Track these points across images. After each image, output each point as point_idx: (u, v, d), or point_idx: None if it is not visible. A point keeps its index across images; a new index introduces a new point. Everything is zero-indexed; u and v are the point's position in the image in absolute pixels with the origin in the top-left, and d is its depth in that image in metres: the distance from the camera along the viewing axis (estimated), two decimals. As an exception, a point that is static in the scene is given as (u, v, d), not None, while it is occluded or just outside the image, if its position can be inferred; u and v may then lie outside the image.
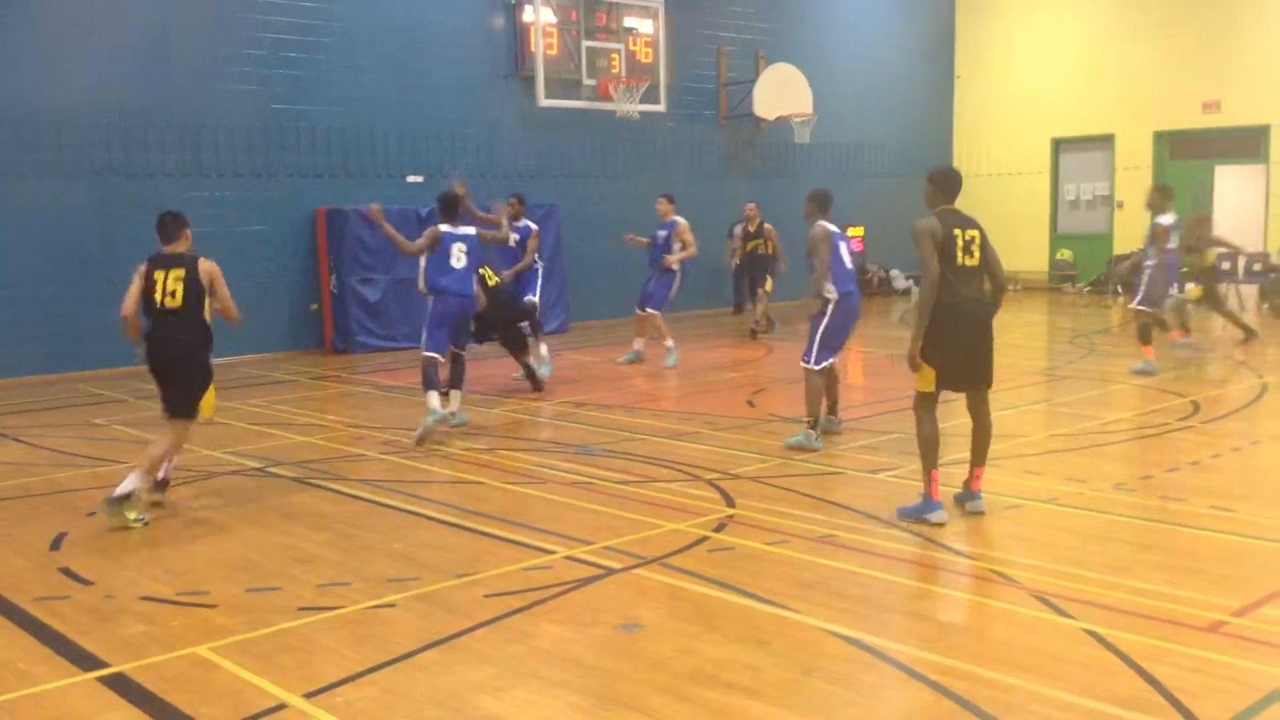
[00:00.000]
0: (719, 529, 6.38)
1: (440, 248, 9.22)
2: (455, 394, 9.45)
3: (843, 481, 7.47)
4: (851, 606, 5.11)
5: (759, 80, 19.38)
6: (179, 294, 6.89)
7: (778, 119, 19.45)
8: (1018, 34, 22.67)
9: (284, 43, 14.69)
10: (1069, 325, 16.73)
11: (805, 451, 8.20)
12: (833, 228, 8.47)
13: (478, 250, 9.53)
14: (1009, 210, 21.56)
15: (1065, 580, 5.36)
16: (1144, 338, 11.67)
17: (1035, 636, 4.73)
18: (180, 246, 7.12)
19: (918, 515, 6.39)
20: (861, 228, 21.51)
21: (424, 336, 9.26)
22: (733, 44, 19.80)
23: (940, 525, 6.28)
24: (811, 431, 8.33)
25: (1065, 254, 22.31)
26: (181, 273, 6.90)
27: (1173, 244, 11.87)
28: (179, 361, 6.95)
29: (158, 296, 6.93)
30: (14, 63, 12.51)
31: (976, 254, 6.36)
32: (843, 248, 8.51)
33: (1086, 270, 21.69)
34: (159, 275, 6.95)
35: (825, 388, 8.61)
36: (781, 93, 19.41)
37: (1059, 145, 22.41)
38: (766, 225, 15.89)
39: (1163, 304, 12.06)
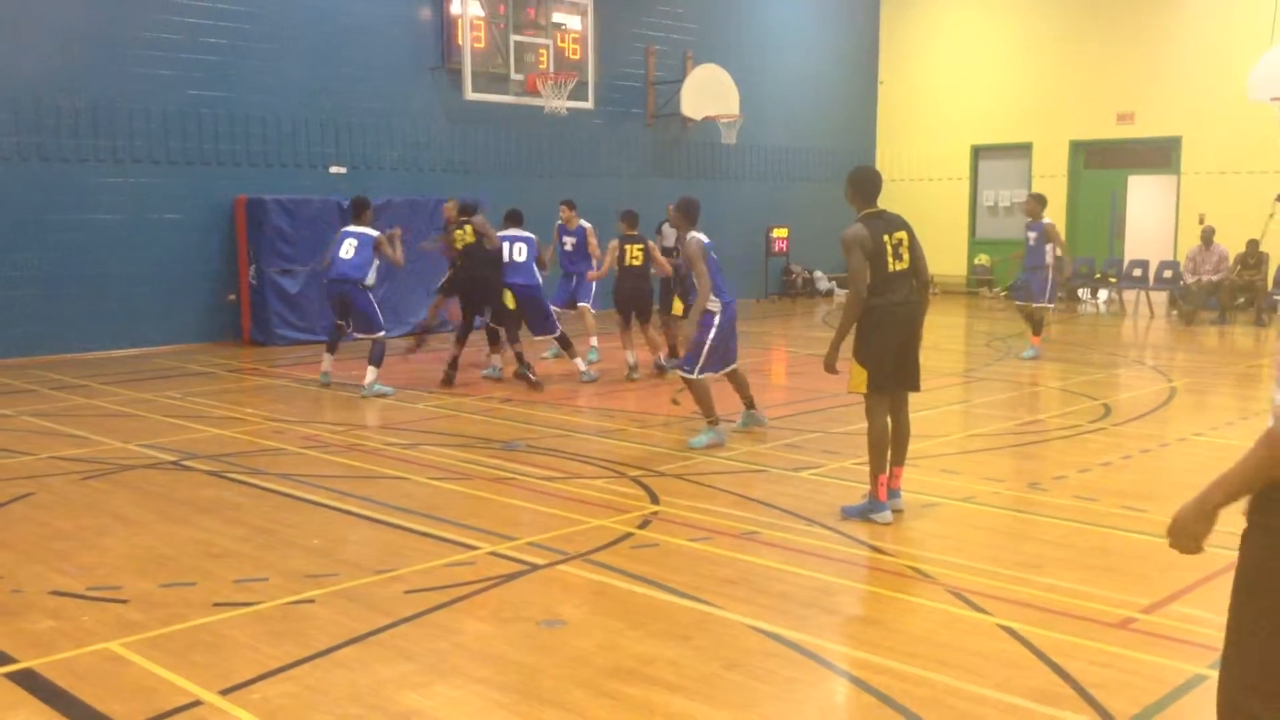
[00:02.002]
0: (643, 525, 6.39)
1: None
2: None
3: (765, 479, 7.53)
4: (773, 603, 5.15)
5: (686, 80, 19.46)
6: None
7: (705, 119, 19.56)
8: (939, 42, 23.08)
9: (205, 28, 14.39)
10: (986, 329, 17.08)
11: (714, 448, 8.31)
12: (705, 239, 8.55)
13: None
14: (929, 215, 21.90)
15: (981, 577, 5.47)
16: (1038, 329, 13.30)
17: (952, 632, 4.82)
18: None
19: (863, 515, 6.45)
20: (786, 229, 21.77)
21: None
22: (661, 43, 19.86)
23: (886, 525, 6.36)
24: (718, 427, 8.50)
25: (983, 259, 22.76)
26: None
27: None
28: None
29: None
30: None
31: (906, 256, 6.43)
32: (713, 257, 8.56)
33: (1003, 275, 22.14)
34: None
35: (737, 387, 8.93)
36: (709, 94, 19.52)
37: (978, 152, 22.86)
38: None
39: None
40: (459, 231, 11.69)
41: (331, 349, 11.31)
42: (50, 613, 5.01)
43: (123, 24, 13.73)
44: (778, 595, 5.26)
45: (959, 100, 22.65)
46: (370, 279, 10.64)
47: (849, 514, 6.51)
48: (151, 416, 9.65)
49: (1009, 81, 22.07)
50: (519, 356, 11.21)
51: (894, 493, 6.62)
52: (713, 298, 8.39)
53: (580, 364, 11.74)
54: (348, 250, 10.64)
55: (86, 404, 10.36)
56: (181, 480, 7.51)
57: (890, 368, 6.42)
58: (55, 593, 5.26)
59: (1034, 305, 13.28)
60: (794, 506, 6.75)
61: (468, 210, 11.78)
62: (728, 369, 8.71)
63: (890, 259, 6.32)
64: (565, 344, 11.80)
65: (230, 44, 14.61)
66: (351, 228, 10.82)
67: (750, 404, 9.10)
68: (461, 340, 11.45)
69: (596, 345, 12.87)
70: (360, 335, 10.95)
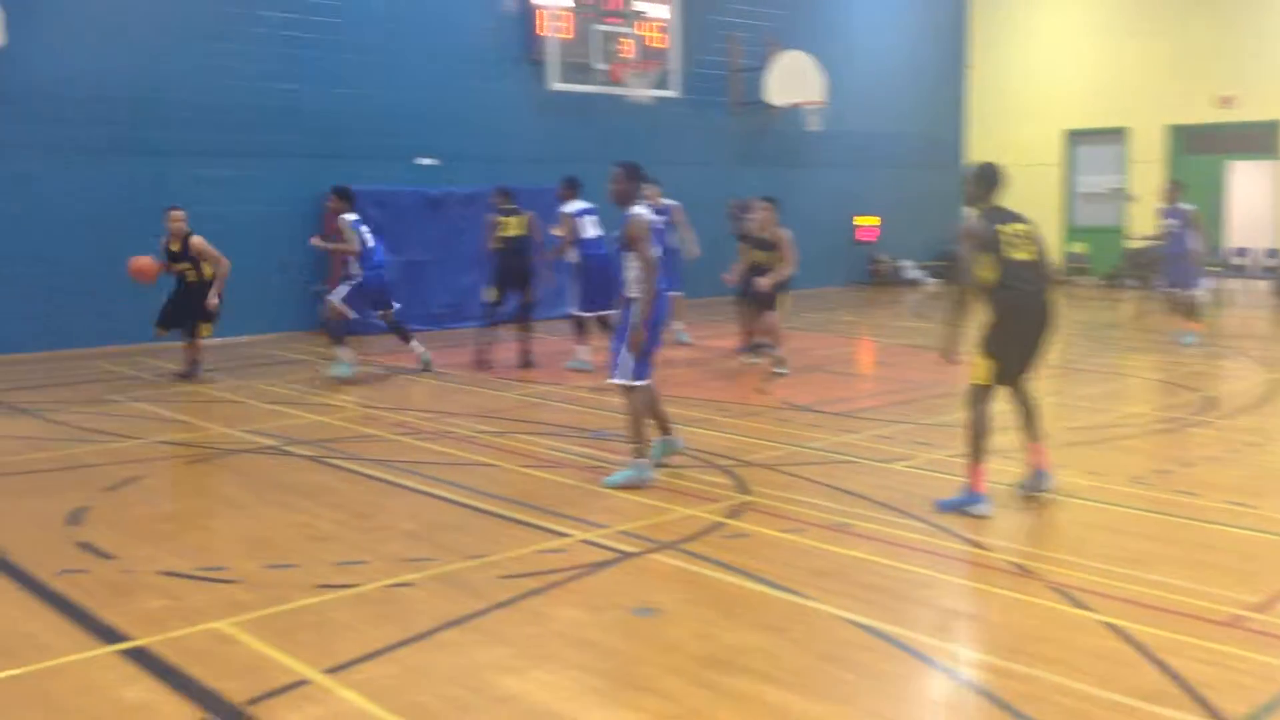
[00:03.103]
0: (733, 515, 6.39)
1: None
2: None
3: (857, 470, 7.47)
4: (869, 595, 5.11)
5: (770, 67, 19.32)
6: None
7: (789, 106, 19.40)
8: (1031, 24, 22.59)
9: (296, 22, 14.66)
10: (1083, 319, 16.70)
11: (635, 489, 6.83)
12: (651, 216, 7.11)
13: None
14: (1021, 202, 21.18)
15: (1083, 573, 5.37)
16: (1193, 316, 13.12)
17: (1054, 628, 4.74)
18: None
19: (959, 508, 6.35)
20: (872, 217, 21.51)
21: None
22: (745, 30, 19.74)
23: (984, 518, 6.26)
24: (642, 461, 6.95)
25: (1078, 247, 22.26)
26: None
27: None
28: None
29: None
30: (26, 41, 12.49)
31: (1029, 247, 6.35)
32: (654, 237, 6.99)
33: (1100, 263, 21.64)
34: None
35: (650, 405, 7.16)
36: (793, 80, 19.36)
37: (1072, 137, 22.34)
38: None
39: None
40: (506, 220, 11.72)
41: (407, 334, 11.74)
42: (161, 592, 5.17)
43: (218, 21, 14.03)
44: (873, 588, 5.22)
45: (1051, 84, 22.15)
46: None
47: (944, 508, 6.42)
48: (252, 403, 9.90)
49: (1104, 64, 21.52)
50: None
51: (1042, 473, 6.52)
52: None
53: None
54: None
55: (191, 390, 10.66)
56: (283, 465, 7.69)
57: (1017, 360, 6.36)
58: (165, 573, 5.43)
59: (1184, 293, 13.26)
60: (887, 499, 6.68)
61: (509, 198, 11.84)
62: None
63: (1008, 248, 6.27)
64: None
65: (322, 38, 14.87)
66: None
67: (665, 426, 7.41)
68: (525, 327, 11.68)
69: (684, 329, 12.84)
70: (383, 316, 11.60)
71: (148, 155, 13.59)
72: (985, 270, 6.26)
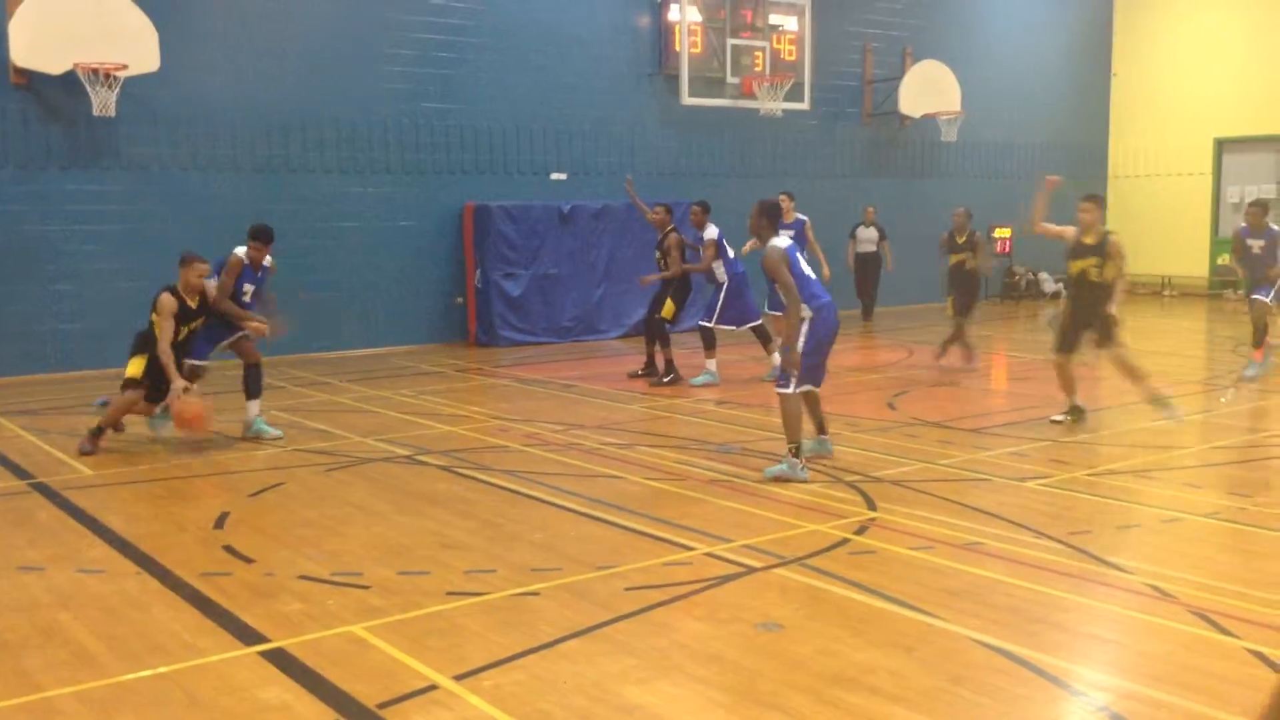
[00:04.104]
0: (860, 532, 6.30)
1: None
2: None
3: (989, 488, 7.29)
4: (1000, 616, 4.98)
5: (905, 77, 19.06)
6: None
7: (923, 117, 19.10)
8: (1179, 29, 21.76)
9: (434, 43, 15.08)
10: (1229, 333, 15.97)
11: (789, 481, 7.37)
12: (784, 243, 7.50)
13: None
14: (1167, 212, 20.79)
15: (1226, 598, 5.13)
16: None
17: (1195, 654, 4.54)
18: None
19: None
20: (1009, 228, 21.00)
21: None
22: (879, 40, 19.52)
23: (1119, 541, 6.07)
24: (795, 460, 7.44)
25: (1227, 259, 21.29)
26: None
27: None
28: None
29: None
30: (179, 64, 13.12)
31: None
32: (800, 260, 7.61)
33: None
34: None
35: (809, 409, 7.87)
36: (928, 90, 19.07)
37: (1222, 145, 21.43)
38: (977, 234, 13.49)
39: None
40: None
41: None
42: (299, 595, 5.36)
43: (363, 45, 14.55)
44: (1005, 609, 5.08)
45: (1200, 90, 21.28)
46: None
47: None
48: (387, 413, 10.19)
49: (1255, 68, 20.58)
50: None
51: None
52: (804, 306, 7.42)
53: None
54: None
55: (329, 400, 11.03)
56: (416, 474, 7.89)
57: None
58: (303, 577, 5.62)
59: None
60: (1020, 518, 6.51)
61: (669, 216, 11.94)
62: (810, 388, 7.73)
63: None
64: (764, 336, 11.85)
65: (458, 58, 15.26)
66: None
67: (821, 427, 8.09)
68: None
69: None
70: None
71: (295, 173, 14.14)
72: None
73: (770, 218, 7.63)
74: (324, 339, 14.31)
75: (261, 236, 9.36)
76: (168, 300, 8.49)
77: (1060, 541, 6.06)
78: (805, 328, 7.39)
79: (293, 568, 5.76)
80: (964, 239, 13.07)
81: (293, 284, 14.06)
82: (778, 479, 7.43)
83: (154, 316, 8.57)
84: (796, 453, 7.45)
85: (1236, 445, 8.45)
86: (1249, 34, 20.77)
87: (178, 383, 8.35)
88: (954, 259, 13.05)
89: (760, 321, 11.76)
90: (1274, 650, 4.50)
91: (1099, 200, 9.48)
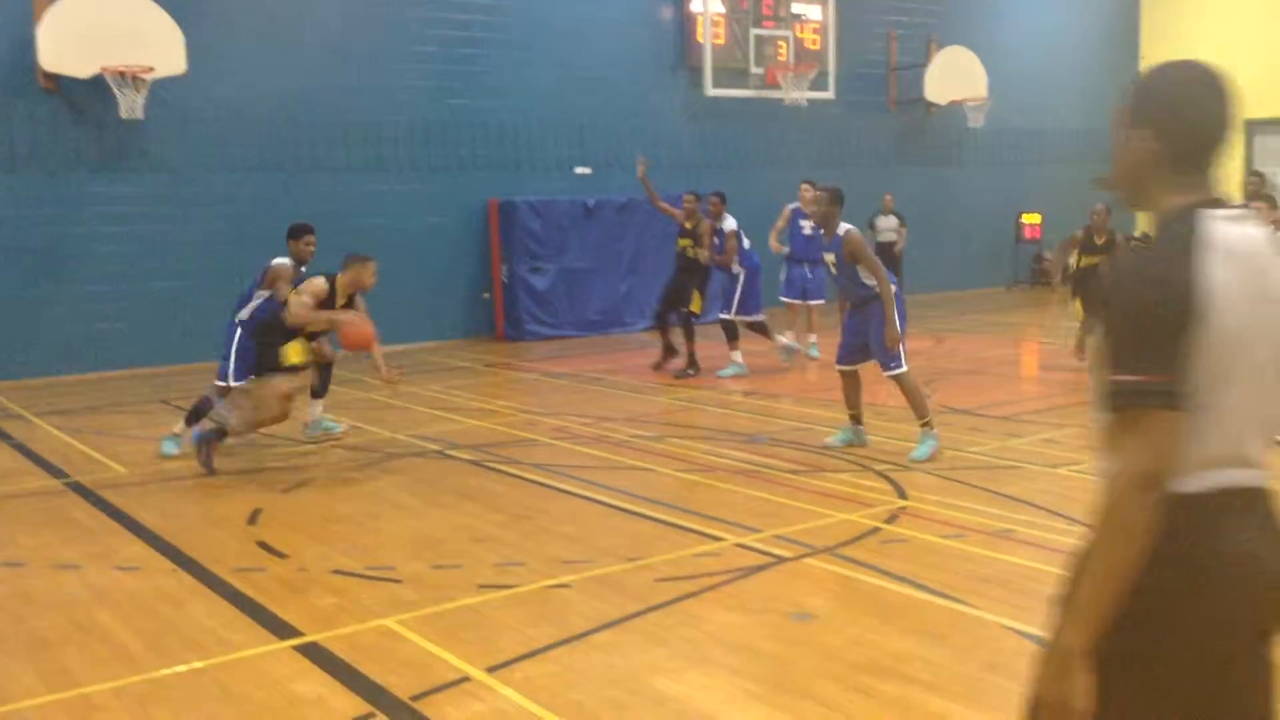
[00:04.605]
0: (891, 520, 6.28)
1: None
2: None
3: (1020, 475, 7.25)
4: (1034, 604, 4.94)
5: (931, 64, 18.94)
6: None
7: (949, 104, 18.98)
8: (1207, 11, 21.50)
9: (456, 39, 15.10)
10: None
11: (935, 458, 7.58)
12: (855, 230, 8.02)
13: None
14: (1197, 196, 20.46)
15: (1266, 583, 5.08)
16: None
17: (1234, 641, 4.49)
18: None
19: None
20: (1038, 214, 20.84)
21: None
22: (904, 28, 19.40)
23: None
24: (934, 431, 7.74)
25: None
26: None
27: None
28: None
29: None
30: (206, 66, 13.20)
31: None
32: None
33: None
34: None
35: (848, 396, 8.13)
36: (954, 77, 18.94)
37: (1252, 128, 21.17)
38: (1119, 236, 12.23)
39: None
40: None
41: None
42: (333, 590, 5.39)
43: (384, 39, 14.59)
44: (1038, 597, 5.03)
45: (1229, 70, 20.97)
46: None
47: None
48: (416, 408, 10.23)
49: (1288, 48, 20.32)
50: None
51: None
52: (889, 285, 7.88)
53: (782, 340, 11.81)
54: None
55: (359, 396, 11.08)
56: (446, 468, 7.93)
57: None
58: (336, 571, 5.66)
59: None
60: (1053, 504, 6.46)
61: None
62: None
63: None
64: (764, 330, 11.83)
65: (481, 53, 15.28)
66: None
67: (858, 418, 8.22)
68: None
69: (815, 342, 12.62)
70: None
71: (323, 172, 14.20)
72: None
73: (840, 204, 7.96)
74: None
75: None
76: (321, 284, 7.98)
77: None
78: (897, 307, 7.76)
79: (326, 562, 5.80)
80: (1104, 240, 11.46)
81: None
82: (930, 458, 7.59)
83: (290, 294, 7.99)
84: (931, 425, 7.74)
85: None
86: (1277, 14, 20.50)
87: (345, 315, 7.97)
88: (1087, 260, 11.48)
89: (762, 319, 11.79)
90: (1313, 635, 4.45)
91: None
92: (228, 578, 5.61)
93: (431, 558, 5.84)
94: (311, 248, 8.91)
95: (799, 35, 17.42)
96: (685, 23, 16.93)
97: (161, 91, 12.79)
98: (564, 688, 4.21)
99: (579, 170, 16.21)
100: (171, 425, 8.71)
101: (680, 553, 5.81)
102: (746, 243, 11.65)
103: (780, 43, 17.19)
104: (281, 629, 4.89)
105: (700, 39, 16.52)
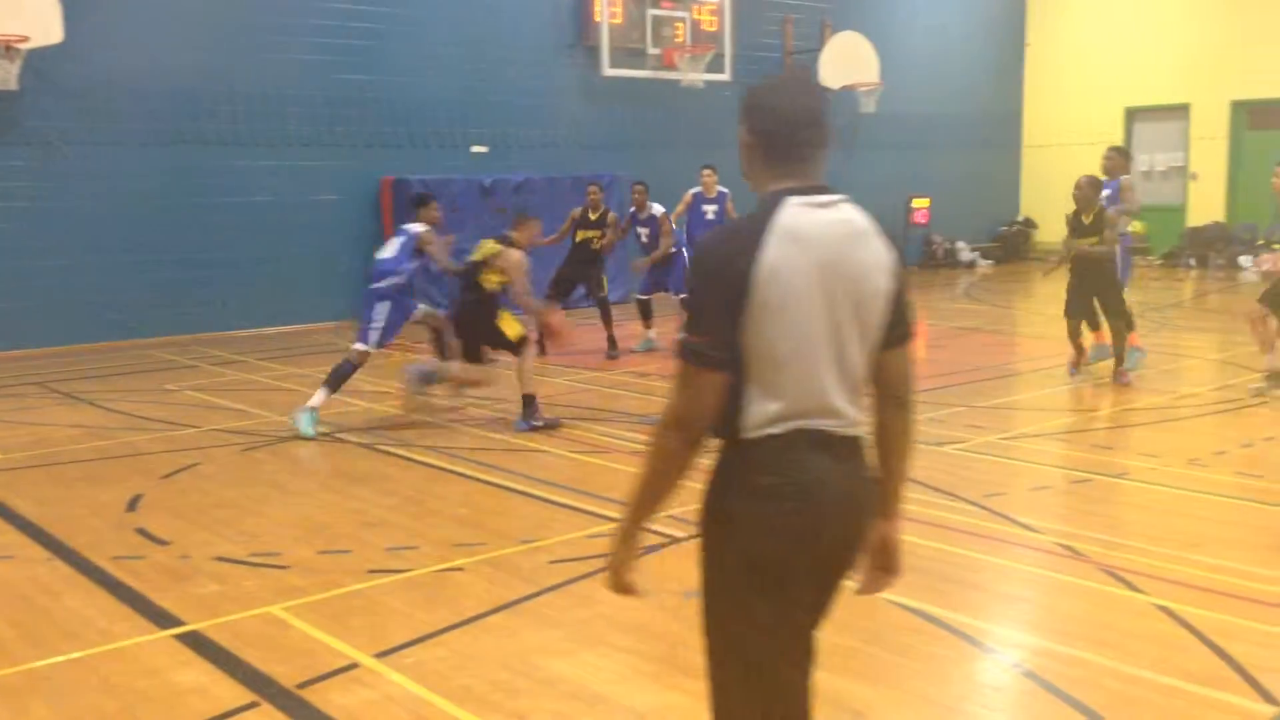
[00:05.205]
0: (783, 499, 6.36)
1: None
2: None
3: (908, 454, 7.40)
4: (917, 578, 5.05)
5: (825, 49, 19.16)
6: None
7: (843, 88, 19.24)
8: (1091, 2, 22.15)
9: (349, 12, 14.78)
10: (1140, 299, 16.38)
11: None
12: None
13: None
14: (1079, 181, 21.11)
15: (1136, 555, 5.29)
16: None
17: (1105, 611, 4.67)
18: None
19: None
20: (927, 199, 21.28)
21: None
22: (799, 12, 19.59)
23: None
24: None
25: (1137, 227, 21.80)
26: None
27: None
28: None
29: None
30: (84, 36, 12.72)
31: None
32: None
33: (1159, 243, 21.23)
34: None
35: None
36: (847, 62, 19.18)
37: (1132, 115, 21.90)
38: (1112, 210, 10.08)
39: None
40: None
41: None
42: (216, 577, 5.27)
43: (275, 11, 14.20)
44: (921, 571, 5.17)
45: (1111, 60, 21.71)
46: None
47: None
48: (306, 390, 9.98)
49: (1165, 39, 21.03)
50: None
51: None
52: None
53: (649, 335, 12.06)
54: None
55: (245, 379, 10.83)
56: (336, 452, 7.80)
57: None
58: (220, 558, 5.53)
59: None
60: (938, 482, 6.62)
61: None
62: None
63: None
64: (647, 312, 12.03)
65: (375, 28, 14.97)
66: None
67: None
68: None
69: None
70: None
71: (207, 145, 13.79)
72: None
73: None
74: (239, 316, 14.04)
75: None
76: (521, 258, 8.48)
77: (975, 504, 6.18)
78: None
79: (209, 549, 5.66)
80: (1092, 218, 9.68)
81: (203, 259, 13.81)
82: None
83: (495, 276, 8.42)
84: None
85: (1146, 407, 8.68)
86: (1159, 5, 21.21)
87: (554, 314, 9.08)
88: (1081, 241, 9.72)
89: (648, 298, 12.06)
90: (1181, 605, 4.65)
91: (1094, 179, 9.81)
92: (106, 566, 5.44)
93: (320, 543, 5.75)
94: (439, 212, 9.22)
95: (696, 17, 17.46)
96: (583, 1, 16.84)
97: (37, 61, 12.27)
98: (454, 672, 4.19)
99: (475, 149, 16.02)
100: (305, 399, 8.42)
101: (574, 534, 5.81)
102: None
103: (678, 24, 17.21)
104: (162, 618, 4.77)
105: (598, 18, 16.45)
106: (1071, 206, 9.82)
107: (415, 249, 8.86)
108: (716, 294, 2.29)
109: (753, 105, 2.48)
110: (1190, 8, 20.73)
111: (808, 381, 2.35)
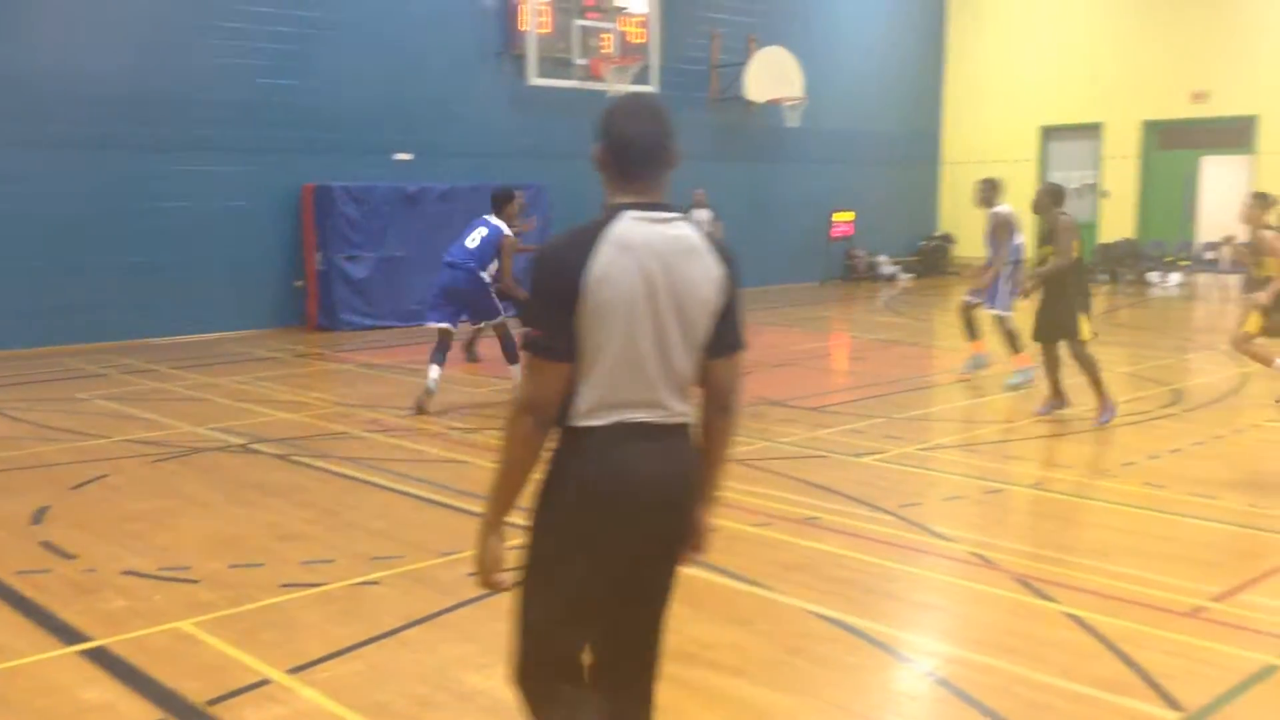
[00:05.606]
0: (704, 510, 6.37)
1: None
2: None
3: (826, 465, 7.48)
4: (835, 588, 5.12)
5: (750, 63, 19.33)
6: None
7: (768, 102, 19.43)
8: (1007, 21, 22.67)
9: (272, 16, 14.56)
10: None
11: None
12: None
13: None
14: (996, 197, 21.57)
15: (1046, 564, 5.39)
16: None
17: (1016, 619, 4.76)
18: None
19: None
20: (849, 213, 21.57)
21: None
22: (725, 26, 19.74)
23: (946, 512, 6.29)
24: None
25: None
26: None
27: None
28: None
29: None
30: (4, 36, 12.37)
31: None
32: None
33: (1042, 249, 21.70)
34: None
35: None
36: (772, 76, 19.38)
37: (1047, 133, 22.44)
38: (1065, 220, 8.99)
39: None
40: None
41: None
42: (123, 592, 5.13)
43: (196, 15, 13.94)
44: (840, 581, 5.23)
45: (1027, 80, 22.23)
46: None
47: None
48: (220, 401, 9.84)
49: (1079, 60, 21.61)
50: None
51: None
52: None
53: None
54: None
55: (157, 388, 10.59)
56: (250, 463, 7.65)
57: None
58: (128, 572, 5.38)
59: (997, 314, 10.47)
60: (856, 492, 6.70)
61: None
62: None
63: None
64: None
65: (299, 32, 14.78)
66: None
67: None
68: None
69: None
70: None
71: (124, 150, 13.48)
72: None
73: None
74: (152, 324, 13.72)
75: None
76: (512, 239, 9.17)
77: (892, 514, 6.26)
78: None
79: (117, 563, 5.51)
80: (1049, 227, 8.99)
81: (117, 265, 13.49)
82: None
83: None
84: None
85: (1058, 419, 8.87)
86: (1074, 25, 21.78)
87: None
88: (1042, 251, 9.14)
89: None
90: (1089, 614, 4.75)
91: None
92: (9, 580, 5.26)
93: (231, 557, 5.63)
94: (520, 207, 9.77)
95: (623, 28, 17.50)
96: (509, 10, 16.79)
97: (-60, 61, 11.92)
98: (369, 687, 4.12)
99: (399, 156, 15.88)
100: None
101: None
102: None
103: (605, 35, 17.24)
104: (67, 634, 4.62)
105: (525, 27, 16.41)
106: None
107: (497, 251, 9.36)
108: (553, 293, 2.54)
109: (603, 127, 2.68)
110: (1103, 31, 21.33)
111: (631, 378, 2.58)
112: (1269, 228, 8.18)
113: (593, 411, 2.59)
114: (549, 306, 2.56)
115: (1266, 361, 9.00)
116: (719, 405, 2.76)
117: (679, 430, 2.69)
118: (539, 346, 2.56)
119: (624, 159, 2.66)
